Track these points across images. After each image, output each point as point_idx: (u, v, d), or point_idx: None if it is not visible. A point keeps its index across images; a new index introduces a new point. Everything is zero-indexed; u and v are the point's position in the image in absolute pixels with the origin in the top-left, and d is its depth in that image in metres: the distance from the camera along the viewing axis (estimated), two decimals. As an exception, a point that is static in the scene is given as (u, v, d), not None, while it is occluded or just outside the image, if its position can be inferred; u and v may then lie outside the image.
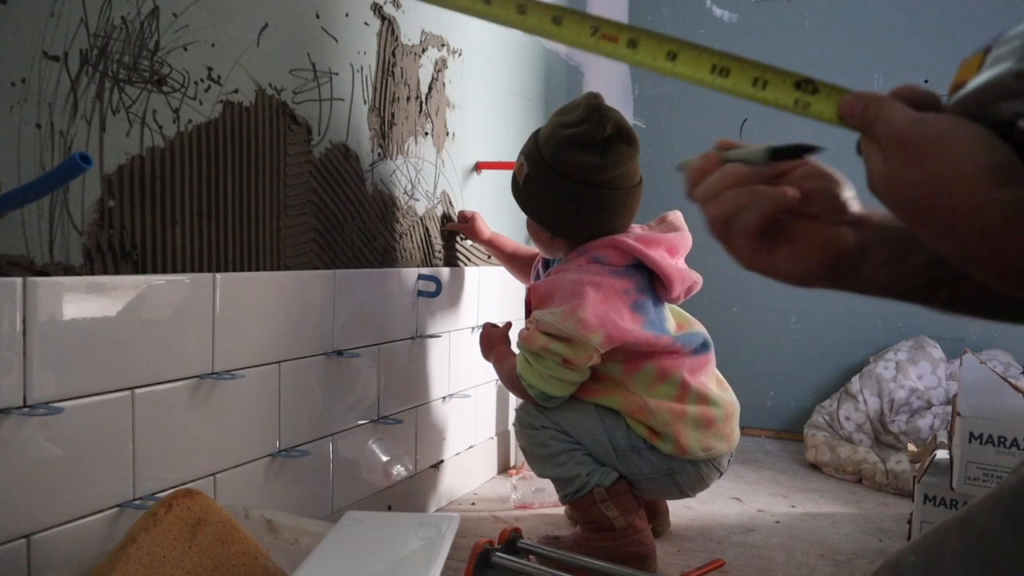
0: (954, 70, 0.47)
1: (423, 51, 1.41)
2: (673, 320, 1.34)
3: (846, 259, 0.52)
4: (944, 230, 0.43)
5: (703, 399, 1.27)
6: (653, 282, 1.30)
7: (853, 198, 0.53)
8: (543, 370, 1.23)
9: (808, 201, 0.51)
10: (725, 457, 1.31)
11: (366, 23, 1.25)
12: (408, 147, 1.38)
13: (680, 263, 1.34)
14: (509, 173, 1.67)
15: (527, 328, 1.25)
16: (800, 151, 0.51)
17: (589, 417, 1.28)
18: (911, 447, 1.71)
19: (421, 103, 1.41)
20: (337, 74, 1.18)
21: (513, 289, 1.77)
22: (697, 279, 1.34)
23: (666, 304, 1.34)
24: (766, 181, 0.51)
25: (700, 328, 1.35)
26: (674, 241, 1.32)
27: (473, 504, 1.57)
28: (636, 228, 1.37)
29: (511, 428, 1.73)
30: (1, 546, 0.74)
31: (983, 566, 0.46)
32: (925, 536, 0.51)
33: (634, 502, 1.28)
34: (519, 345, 1.27)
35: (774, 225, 0.51)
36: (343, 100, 1.20)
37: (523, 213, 1.37)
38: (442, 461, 1.53)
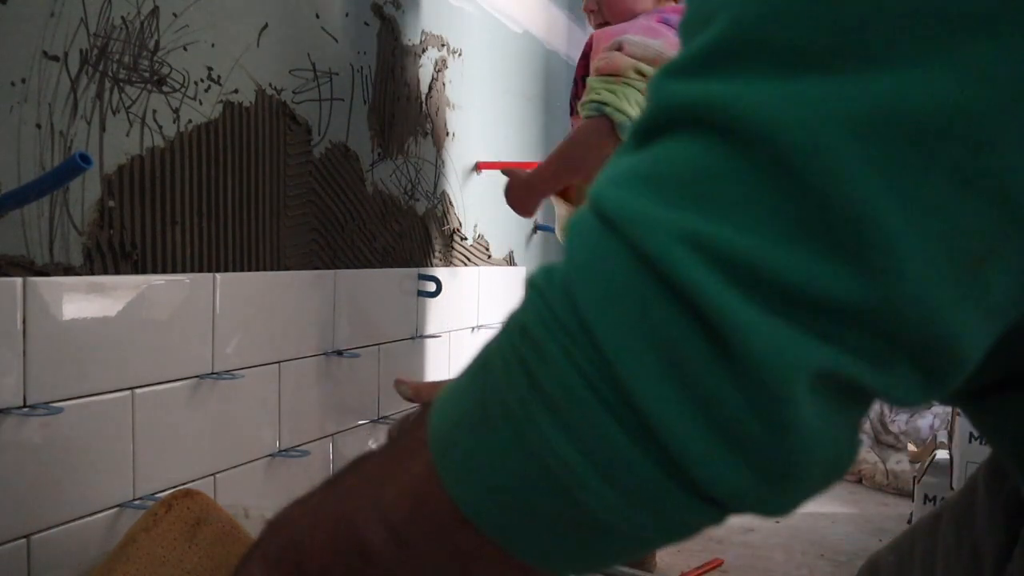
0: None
1: (423, 51, 1.41)
2: None
3: None
4: None
5: None
6: None
7: None
8: (627, 93, 1.10)
9: None
10: None
11: (366, 23, 1.25)
12: (408, 147, 1.38)
13: None
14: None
15: (602, 60, 1.14)
16: None
17: None
18: (911, 447, 1.71)
19: (421, 103, 1.41)
20: (337, 74, 1.18)
21: (513, 290, 1.77)
22: None
23: None
24: None
25: None
26: None
27: (473, 504, 1.57)
28: None
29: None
30: (1, 546, 0.74)
31: (944, 568, 0.46)
32: (903, 535, 0.52)
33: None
34: (593, 79, 1.14)
35: None
36: (343, 100, 1.20)
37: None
38: (442, 461, 1.53)
